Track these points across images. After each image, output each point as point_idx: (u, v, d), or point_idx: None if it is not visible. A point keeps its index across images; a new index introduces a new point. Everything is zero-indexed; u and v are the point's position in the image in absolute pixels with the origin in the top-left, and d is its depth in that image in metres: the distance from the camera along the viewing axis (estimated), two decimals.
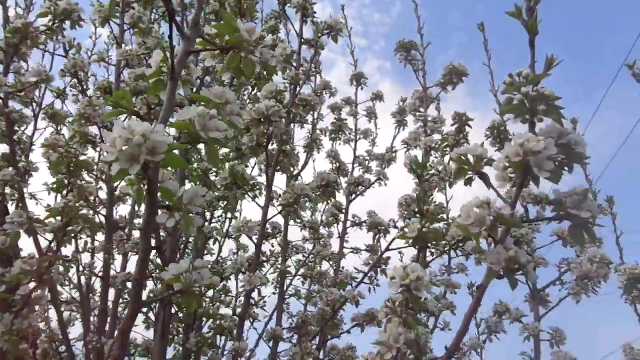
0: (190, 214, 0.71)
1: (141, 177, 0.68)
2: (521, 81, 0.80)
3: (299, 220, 1.82)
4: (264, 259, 1.58)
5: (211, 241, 1.95)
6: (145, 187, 0.66)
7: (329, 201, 1.91)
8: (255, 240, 1.52)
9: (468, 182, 0.82)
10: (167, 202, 0.69)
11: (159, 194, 0.68)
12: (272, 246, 1.72)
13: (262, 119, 1.47)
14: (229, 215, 2.04)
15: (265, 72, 0.87)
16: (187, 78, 0.85)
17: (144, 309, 1.87)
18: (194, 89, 1.39)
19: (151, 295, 1.56)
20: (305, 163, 2.33)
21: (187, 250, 1.95)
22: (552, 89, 0.79)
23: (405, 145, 2.13)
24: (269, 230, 1.59)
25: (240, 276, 1.47)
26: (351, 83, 2.67)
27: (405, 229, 1.09)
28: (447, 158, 1.81)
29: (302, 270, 2.05)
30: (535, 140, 0.72)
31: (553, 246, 1.86)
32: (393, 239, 1.50)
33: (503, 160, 0.74)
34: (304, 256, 1.99)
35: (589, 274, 1.57)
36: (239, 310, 1.34)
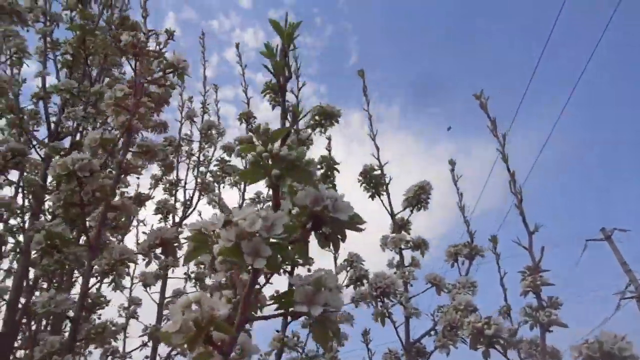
0: None
1: None
2: (262, 138, 0.65)
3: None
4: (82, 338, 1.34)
5: None
6: None
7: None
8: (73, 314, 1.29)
9: (201, 263, 0.65)
10: None
11: None
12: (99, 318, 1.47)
13: (70, 175, 1.25)
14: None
15: None
16: None
17: None
18: None
19: None
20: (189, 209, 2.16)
21: None
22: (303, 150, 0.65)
23: None
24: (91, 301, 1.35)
25: None
26: (240, 122, 2.54)
27: None
28: None
29: None
30: (252, 218, 0.56)
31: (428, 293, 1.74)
32: None
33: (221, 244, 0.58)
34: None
35: (453, 324, 1.45)
36: None
